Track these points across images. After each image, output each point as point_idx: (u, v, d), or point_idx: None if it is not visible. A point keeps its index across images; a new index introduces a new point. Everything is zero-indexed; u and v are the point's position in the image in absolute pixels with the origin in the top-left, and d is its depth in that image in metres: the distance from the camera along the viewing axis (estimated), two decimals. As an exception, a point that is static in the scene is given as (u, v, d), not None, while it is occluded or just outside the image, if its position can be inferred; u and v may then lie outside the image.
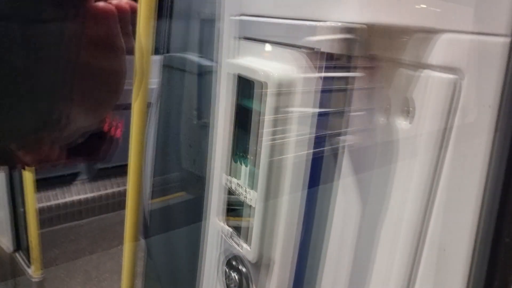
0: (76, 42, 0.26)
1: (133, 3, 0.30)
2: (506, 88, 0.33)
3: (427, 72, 0.38)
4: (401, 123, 0.41)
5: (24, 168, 0.31)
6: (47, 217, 2.51)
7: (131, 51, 0.30)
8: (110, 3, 0.28)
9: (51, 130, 0.28)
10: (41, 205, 2.46)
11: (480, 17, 0.34)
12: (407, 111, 0.41)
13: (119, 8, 0.29)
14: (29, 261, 2.01)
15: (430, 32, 0.37)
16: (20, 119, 0.26)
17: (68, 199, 2.63)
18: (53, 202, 2.56)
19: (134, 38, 0.31)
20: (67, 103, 0.28)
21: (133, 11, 0.30)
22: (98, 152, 0.35)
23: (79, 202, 2.66)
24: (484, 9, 0.33)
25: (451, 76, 0.36)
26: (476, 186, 0.34)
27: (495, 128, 0.33)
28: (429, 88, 0.38)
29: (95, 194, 2.72)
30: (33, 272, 1.98)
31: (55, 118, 0.27)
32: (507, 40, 0.32)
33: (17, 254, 2.13)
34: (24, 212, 1.93)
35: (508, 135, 0.33)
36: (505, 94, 0.33)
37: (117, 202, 2.75)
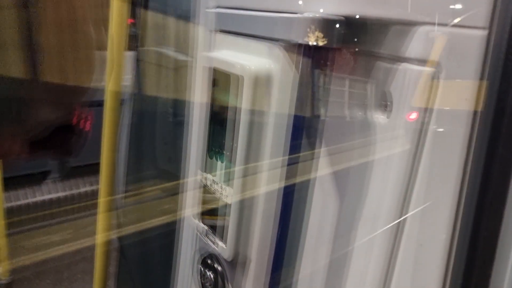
0: (36, 25, 0.24)
1: None
2: (483, 81, 0.33)
3: (404, 65, 0.38)
4: (379, 117, 0.41)
5: None
6: (16, 216, 2.43)
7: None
8: None
9: (10, 123, 0.26)
10: (9, 204, 2.39)
11: (458, 9, 0.33)
12: (385, 105, 0.40)
13: None
14: (-4, 262, 1.94)
15: (408, 25, 0.37)
16: None
17: (39, 198, 2.55)
18: (22, 202, 2.49)
19: (107, 32, 0.29)
20: (28, 94, 0.26)
21: None
22: (67, 146, 0.33)
23: (50, 201, 2.59)
24: (462, 2, 0.33)
25: (428, 69, 0.36)
26: (454, 180, 0.34)
27: (472, 121, 0.33)
28: (407, 82, 0.37)
29: (67, 193, 2.66)
30: (1, 274, 1.92)
31: (14, 110, 0.25)
32: (485, 33, 0.32)
33: (-16, 256, 2.05)
34: (-9, 212, 1.87)
35: (486, 128, 0.32)
36: (482, 87, 0.33)
37: (90, 201, 2.69)
